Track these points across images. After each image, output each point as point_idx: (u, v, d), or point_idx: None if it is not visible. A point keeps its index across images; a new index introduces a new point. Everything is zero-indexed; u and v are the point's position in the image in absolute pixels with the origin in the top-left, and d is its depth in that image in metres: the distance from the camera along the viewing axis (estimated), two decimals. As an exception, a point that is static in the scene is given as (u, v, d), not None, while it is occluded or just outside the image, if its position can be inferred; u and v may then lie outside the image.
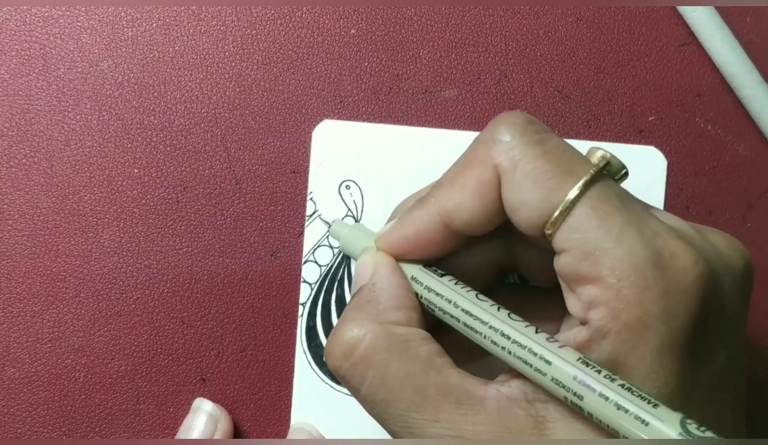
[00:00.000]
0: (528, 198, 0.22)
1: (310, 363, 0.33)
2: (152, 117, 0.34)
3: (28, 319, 0.34)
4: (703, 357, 0.22)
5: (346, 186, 0.34)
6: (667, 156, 0.34)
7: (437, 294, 0.25)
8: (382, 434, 0.33)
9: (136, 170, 0.34)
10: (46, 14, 0.34)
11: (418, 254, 0.26)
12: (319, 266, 0.34)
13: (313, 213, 0.34)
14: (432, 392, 0.22)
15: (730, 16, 0.34)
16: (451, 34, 0.34)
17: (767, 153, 0.35)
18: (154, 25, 0.34)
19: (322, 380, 0.33)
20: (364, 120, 0.34)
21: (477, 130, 0.34)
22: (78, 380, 0.34)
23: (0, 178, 0.34)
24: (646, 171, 0.34)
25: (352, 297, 0.26)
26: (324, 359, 0.25)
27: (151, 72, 0.34)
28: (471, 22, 0.34)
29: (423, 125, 0.34)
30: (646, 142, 0.34)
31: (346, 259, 0.34)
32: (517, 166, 0.23)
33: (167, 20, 0.34)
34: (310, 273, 0.34)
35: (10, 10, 0.34)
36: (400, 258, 0.26)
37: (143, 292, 0.34)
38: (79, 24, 0.34)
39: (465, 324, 0.24)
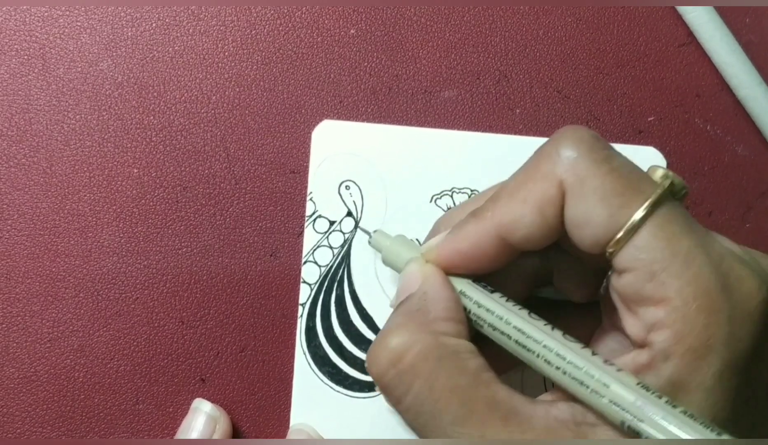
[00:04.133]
0: (594, 215, 0.22)
1: (309, 364, 0.33)
2: (152, 117, 0.34)
3: (28, 319, 0.34)
4: (755, 381, 0.22)
5: (346, 186, 0.34)
6: (666, 156, 0.34)
7: (488, 310, 0.24)
8: (380, 434, 0.33)
9: (135, 170, 0.34)
10: (46, 14, 0.34)
11: (468, 267, 0.25)
12: (319, 266, 0.33)
13: (313, 213, 0.34)
14: (480, 406, 0.22)
15: (729, 17, 0.34)
16: (450, 34, 0.34)
17: (766, 153, 0.35)
18: (154, 25, 0.34)
19: (322, 381, 0.33)
20: (363, 120, 0.34)
21: (477, 130, 0.34)
22: (77, 380, 0.34)
23: (-1, 178, 0.34)
24: (646, 171, 0.34)
25: (399, 305, 0.25)
26: (365, 367, 0.24)
27: (151, 72, 0.34)
28: (471, 22, 0.34)
29: (422, 125, 0.34)
30: (646, 143, 0.34)
31: (345, 259, 0.33)
32: (584, 183, 0.22)
33: (167, 20, 0.34)
34: (310, 273, 0.34)
35: (9, 10, 0.34)
36: (449, 271, 0.25)
37: (142, 292, 0.34)
38: (78, 24, 0.34)
39: (516, 341, 0.23)
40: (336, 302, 0.33)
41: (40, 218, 0.34)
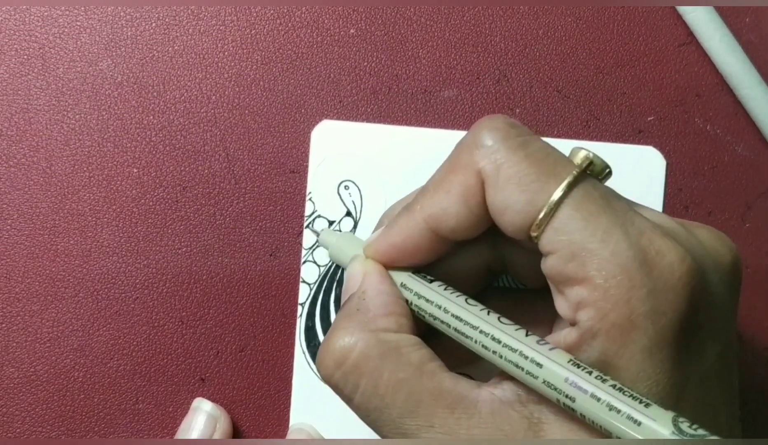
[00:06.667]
0: (512, 201, 0.22)
1: (309, 363, 0.33)
2: (151, 117, 0.34)
3: (27, 318, 0.34)
4: (693, 354, 0.22)
5: (345, 186, 0.34)
6: (666, 156, 0.34)
7: (427, 300, 0.25)
8: (381, 434, 0.33)
9: (135, 170, 0.34)
10: (46, 14, 0.34)
11: (406, 260, 0.26)
12: (318, 266, 0.34)
13: (312, 213, 0.34)
14: (425, 397, 0.22)
15: (729, 17, 0.34)
16: (450, 34, 0.34)
17: (766, 153, 0.35)
18: (154, 24, 0.34)
19: (322, 381, 0.33)
20: (363, 120, 0.34)
21: (476, 130, 0.34)
22: (77, 379, 0.34)
23: (-1, 178, 0.34)
24: (645, 171, 0.34)
25: (342, 306, 0.26)
26: (316, 369, 0.25)
27: (151, 72, 0.34)
28: (471, 22, 0.34)
29: (422, 125, 0.34)
30: (645, 143, 0.34)
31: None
32: (500, 170, 0.23)
33: (166, 20, 0.34)
34: (309, 273, 0.34)
35: (9, 10, 0.34)
36: (389, 266, 0.26)
37: (142, 292, 0.34)
38: (78, 23, 0.34)
39: (455, 329, 0.24)
40: (335, 302, 0.34)
41: (39, 218, 0.34)
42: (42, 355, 0.34)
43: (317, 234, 0.33)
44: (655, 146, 0.34)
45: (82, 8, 0.34)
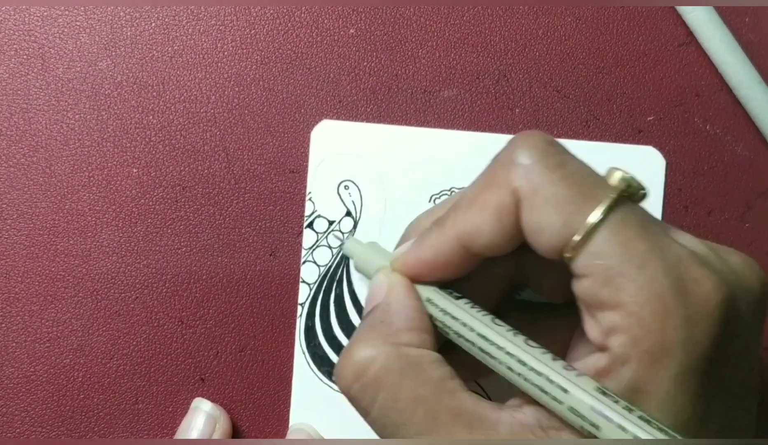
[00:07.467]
0: (548, 223, 0.22)
1: (308, 363, 0.33)
2: (151, 117, 0.34)
3: (27, 318, 0.34)
4: (719, 381, 0.22)
5: (345, 186, 0.34)
6: (665, 156, 0.34)
7: (453, 317, 0.24)
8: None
9: (134, 170, 0.34)
10: (45, 14, 0.34)
11: (434, 275, 0.25)
12: (318, 266, 0.34)
13: (312, 213, 0.34)
14: (444, 415, 0.22)
15: (729, 17, 0.34)
16: (450, 34, 0.34)
17: (766, 153, 0.35)
18: (153, 24, 0.34)
19: (321, 381, 0.33)
20: (362, 120, 0.34)
21: (476, 130, 0.34)
22: (76, 379, 0.34)
23: (-1, 178, 0.34)
24: (645, 171, 0.34)
25: (365, 317, 0.25)
26: (333, 379, 0.25)
27: (150, 71, 0.34)
28: (470, 22, 0.34)
29: (422, 125, 0.34)
30: (645, 142, 0.34)
31: (344, 259, 0.33)
32: (537, 191, 0.22)
33: (166, 20, 0.34)
34: (309, 273, 0.34)
35: (8, 10, 0.34)
36: (415, 280, 0.26)
37: (142, 291, 0.34)
38: (78, 23, 0.34)
39: (480, 348, 0.23)
40: (335, 302, 0.34)
41: (39, 218, 0.34)
42: (42, 355, 0.34)
43: (342, 242, 0.33)
44: (655, 146, 0.34)
45: (82, 8, 0.34)
